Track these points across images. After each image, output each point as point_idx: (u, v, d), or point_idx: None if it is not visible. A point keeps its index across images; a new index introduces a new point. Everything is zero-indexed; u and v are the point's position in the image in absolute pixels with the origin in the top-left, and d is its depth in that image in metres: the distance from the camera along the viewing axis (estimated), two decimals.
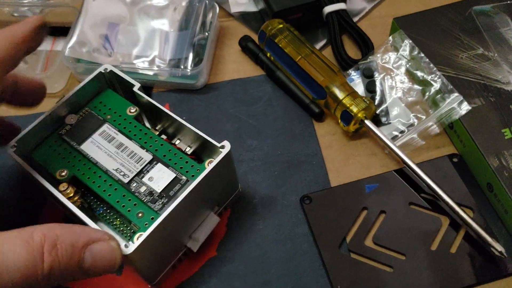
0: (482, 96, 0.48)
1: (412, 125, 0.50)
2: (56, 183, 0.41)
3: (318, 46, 0.57)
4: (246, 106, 0.53)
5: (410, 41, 0.52)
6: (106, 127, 0.45)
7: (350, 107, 0.48)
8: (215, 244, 0.45)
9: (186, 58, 0.54)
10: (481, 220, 0.45)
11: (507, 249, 0.42)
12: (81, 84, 0.45)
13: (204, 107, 0.54)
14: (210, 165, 0.40)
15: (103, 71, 0.46)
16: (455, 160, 0.48)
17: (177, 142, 0.45)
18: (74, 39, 0.54)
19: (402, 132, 0.50)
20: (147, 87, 0.55)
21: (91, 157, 0.43)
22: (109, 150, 0.43)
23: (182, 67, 0.54)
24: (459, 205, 0.44)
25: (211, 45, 0.56)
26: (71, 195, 0.41)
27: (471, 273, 0.42)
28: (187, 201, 0.38)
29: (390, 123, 0.50)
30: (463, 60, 0.50)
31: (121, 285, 0.43)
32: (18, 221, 0.47)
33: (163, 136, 0.45)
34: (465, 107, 0.47)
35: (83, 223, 0.38)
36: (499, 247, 0.42)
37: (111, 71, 0.46)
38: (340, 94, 0.49)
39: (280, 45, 0.53)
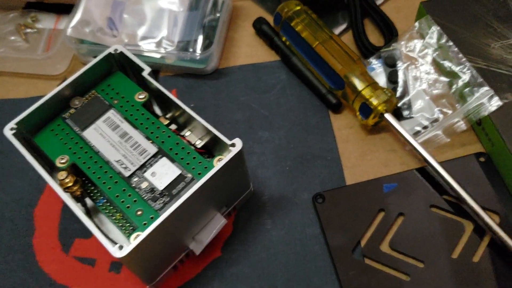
0: None
1: (436, 120, 0.46)
2: (55, 171, 0.39)
3: (338, 31, 0.54)
4: (258, 94, 0.50)
5: (438, 28, 0.48)
6: (111, 113, 0.42)
7: (370, 99, 0.44)
8: (219, 244, 0.42)
9: (196, 41, 0.51)
10: (508, 227, 0.41)
11: None
12: (89, 65, 0.42)
13: (213, 94, 0.50)
14: (218, 163, 0.36)
15: (112, 52, 0.43)
16: (482, 160, 0.45)
17: (187, 133, 0.42)
18: (77, 17, 0.51)
19: (425, 127, 0.46)
20: (153, 71, 0.52)
21: (93, 146, 0.41)
22: (113, 139, 0.41)
23: (191, 50, 0.50)
24: (484, 209, 0.41)
25: (223, 27, 0.52)
26: (70, 184, 0.39)
27: (494, 285, 0.39)
28: (191, 201, 0.35)
29: (412, 117, 0.47)
30: (496, 50, 0.46)
31: (120, 283, 0.41)
32: (12, 214, 0.45)
33: (172, 127, 0.42)
34: (496, 103, 0.43)
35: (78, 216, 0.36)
36: None
37: (121, 52, 0.43)
38: (359, 85, 0.45)
39: (296, 29, 0.49)
